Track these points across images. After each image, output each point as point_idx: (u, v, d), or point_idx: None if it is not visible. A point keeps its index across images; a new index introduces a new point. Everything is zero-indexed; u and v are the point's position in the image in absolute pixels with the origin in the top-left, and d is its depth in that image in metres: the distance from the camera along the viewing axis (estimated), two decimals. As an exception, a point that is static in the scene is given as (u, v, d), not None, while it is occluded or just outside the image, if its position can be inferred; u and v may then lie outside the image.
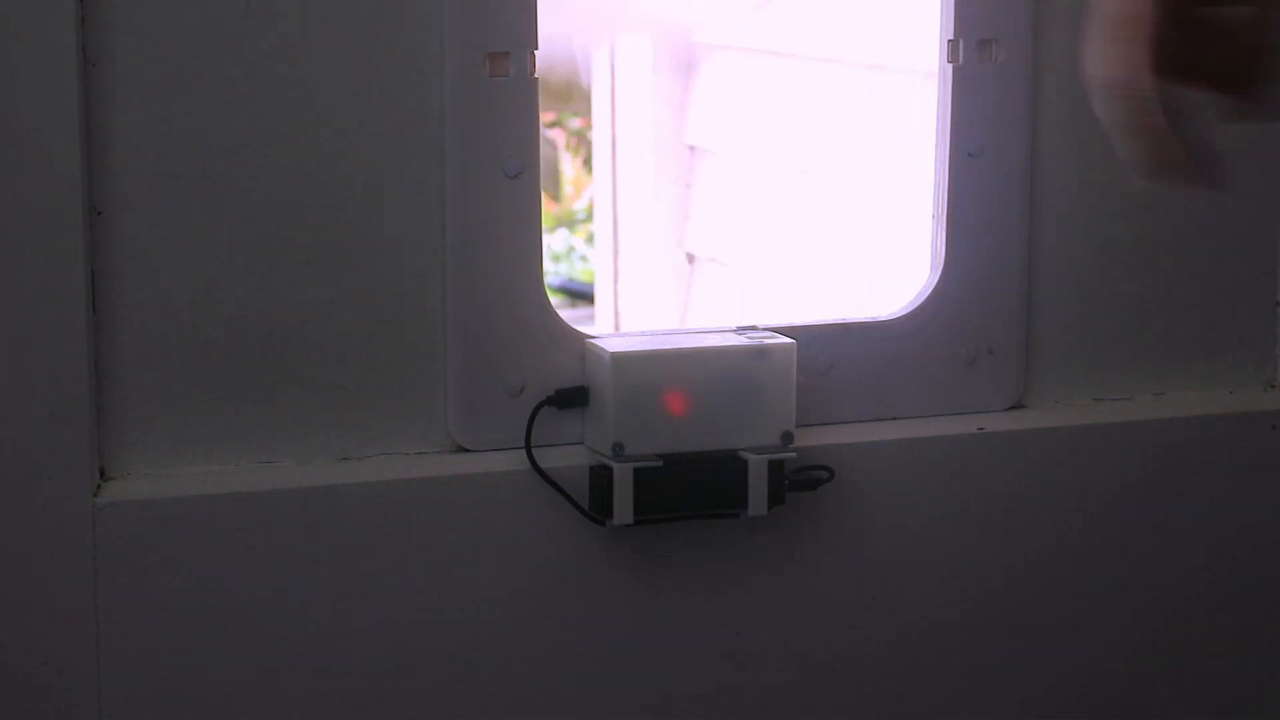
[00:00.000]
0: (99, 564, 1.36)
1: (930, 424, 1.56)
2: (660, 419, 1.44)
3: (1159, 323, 1.64)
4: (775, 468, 1.46)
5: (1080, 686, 1.61)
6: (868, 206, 2.44)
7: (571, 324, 1.47)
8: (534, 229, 1.45)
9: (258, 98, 1.38)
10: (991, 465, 1.56)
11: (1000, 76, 1.54)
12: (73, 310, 1.34)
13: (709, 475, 1.45)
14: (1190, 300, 1.64)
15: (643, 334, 1.49)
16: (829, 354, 1.53)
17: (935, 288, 1.55)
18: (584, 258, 4.39)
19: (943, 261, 1.55)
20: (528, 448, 1.44)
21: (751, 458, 1.45)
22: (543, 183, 1.45)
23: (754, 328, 1.50)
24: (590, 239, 4.01)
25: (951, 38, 1.53)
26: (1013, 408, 1.59)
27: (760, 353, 1.46)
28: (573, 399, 1.46)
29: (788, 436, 1.47)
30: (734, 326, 1.51)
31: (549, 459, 1.45)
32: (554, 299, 1.48)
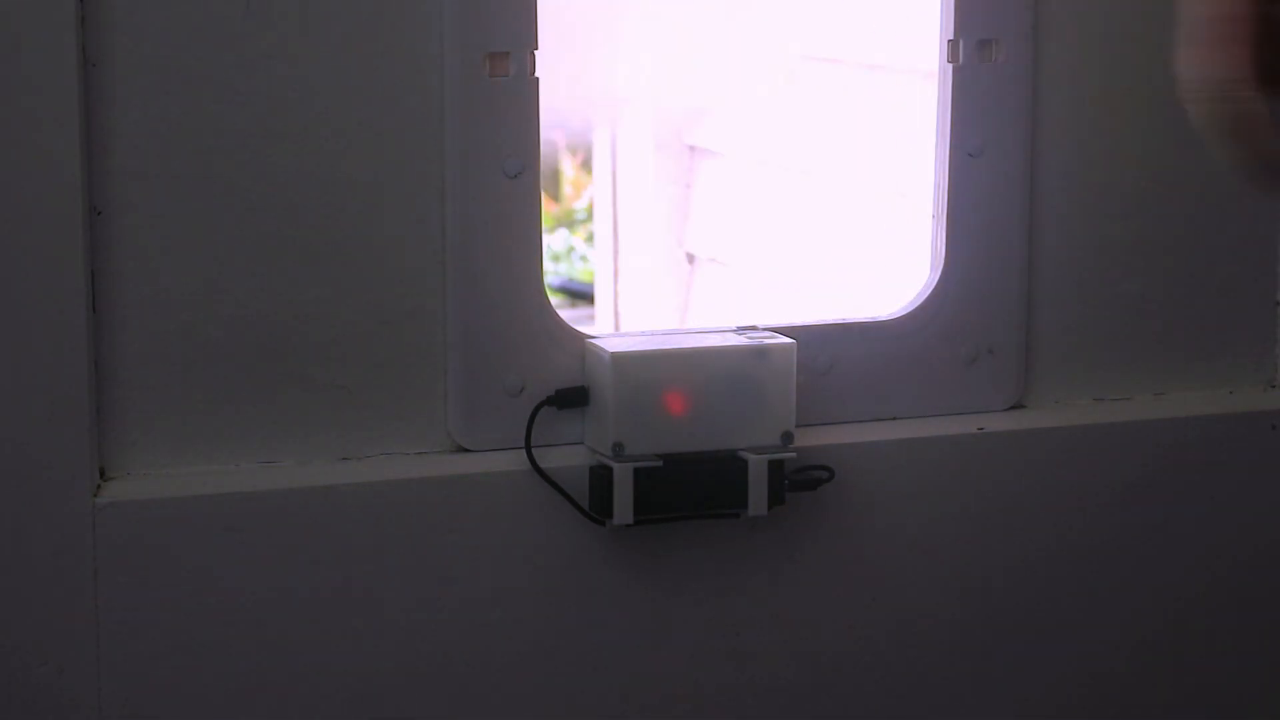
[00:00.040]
0: (99, 564, 1.36)
1: (930, 424, 1.56)
2: (660, 419, 1.44)
3: (1159, 323, 1.64)
4: (775, 468, 1.46)
5: (1080, 686, 1.61)
6: (868, 206, 2.44)
7: (571, 324, 1.47)
8: (534, 229, 1.45)
9: (258, 98, 1.38)
10: (991, 465, 1.56)
11: (1000, 76, 1.54)
12: (73, 310, 1.34)
13: (709, 475, 1.45)
14: (1190, 300, 1.64)
15: (643, 334, 1.49)
16: (829, 354, 1.53)
17: (935, 288, 1.55)
18: (584, 258, 4.39)
19: (943, 261, 1.55)
20: (528, 448, 1.44)
21: (751, 458, 1.45)
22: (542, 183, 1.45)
23: (754, 328, 1.50)
24: (590, 239, 4.01)
25: (951, 38, 1.53)
26: (1013, 408, 1.59)
27: (760, 353, 1.46)
28: (573, 399, 1.46)
29: (788, 436, 1.47)
30: (734, 326, 1.50)
31: (549, 459, 1.45)
32: (554, 299, 1.48)
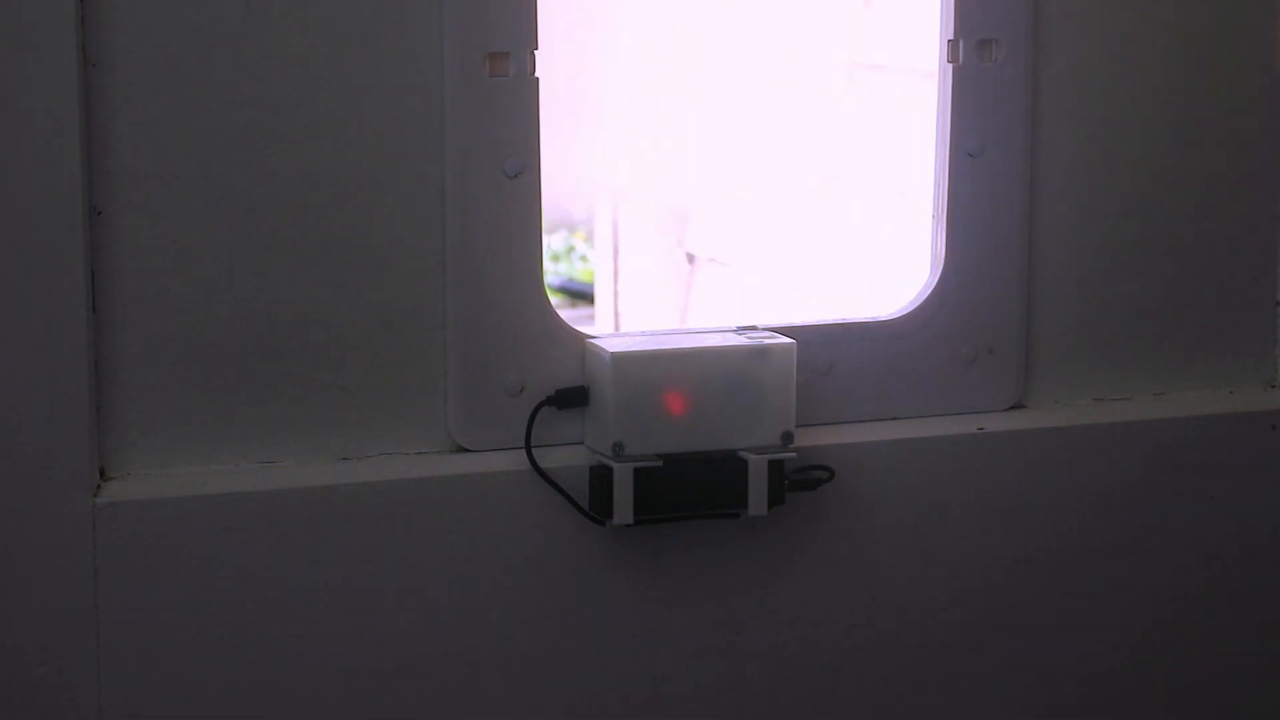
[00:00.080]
0: (99, 564, 1.36)
1: (930, 424, 1.56)
2: (660, 419, 1.44)
3: (1159, 323, 1.64)
4: (775, 468, 1.46)
5: (1080, 686, 1.61)
6: (868, 206, 2.44)
7: (571, 324, 1.47)
8: (534, 229, 1.45)
9: (258, 98, 1.38)
10: (991, 465, 1.56)
11: (1000, 76, 1.54)
12: (73, 310, 1.34)
13: (709, 475, 1.45)
14: (1190, 300, 1.64)
15: (643, 334, 1.49)
16: (829, 354, 1.53)
17: (935, 288, 1.55)
18: (584, 258, 4.39)
19: (943, 261, 1.55)
20: (528, 448, 1.44)
21: (751, 458, 1.45)
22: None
23: (754, 328, 1.50)
24: (590, 239, 4.01)
25: (951, 38, 1.53)
26: (1013, 408, 1.59)
27: (760, 353, 1.46)
28: (573, 399, 1.46)
29: (788, 436, 1.47)
30: (734, 326, 1.50)
31: (549, 459, 1.45)
32: (554, 299, 1.48)
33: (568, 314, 1.48)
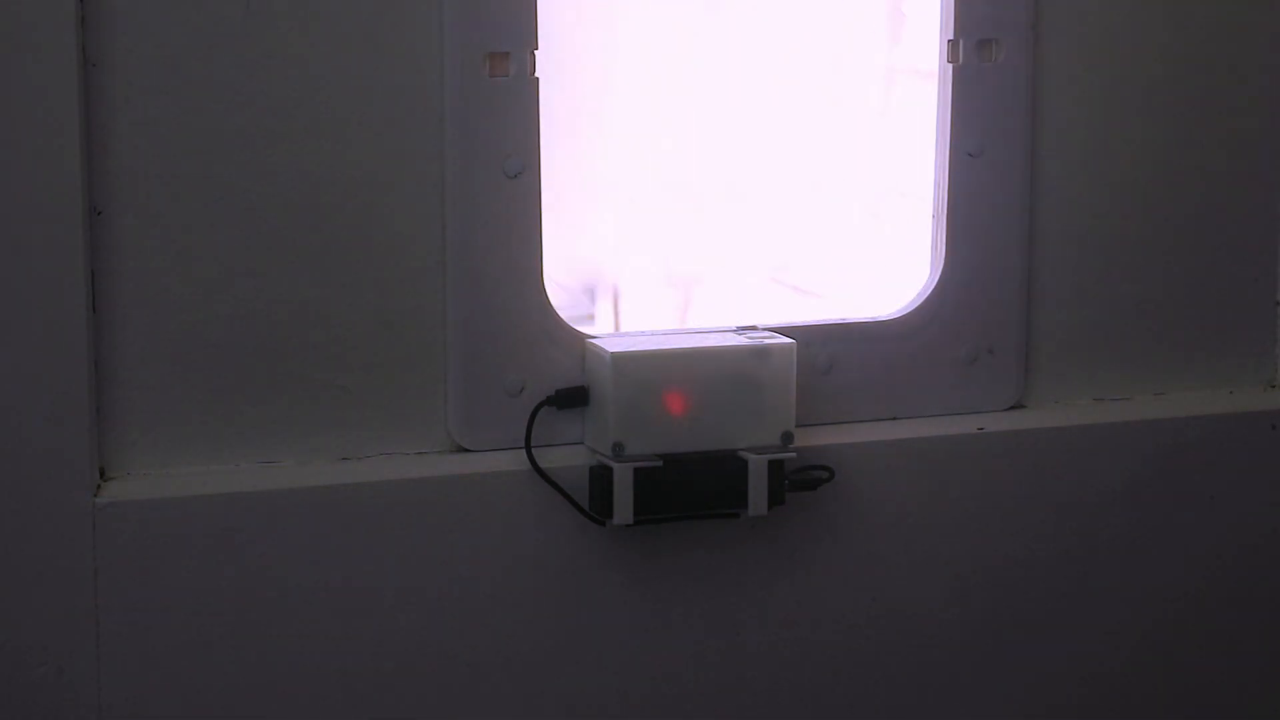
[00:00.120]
0: (99, 564, 1.36)
1: (930, 424, 1.56)
2: (660, 419, 1.44)
3: (1159, 323, 1.64)
4: (775, 468, 1.45)
5: (1080, 685, 1.61)
6: (868, 206, 2.43)
7: (571, 324, 1.47)
8: (534, 229, 1.45)
9: (258, 98, 1.38)
10: (991, 465, 1.56)
11: (1000, 76, 1.54)
12: (73, 310, 1.34)
13: (709, 475, 1.45)
14: (1190, 300, 1.64)
15: (643, 334, 1.49)
16: (829, 354, 1.53)
17: (935, 288, 1.55)
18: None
19: (943, 261, 1.55)
20: (528, 448, 1.44)
21: (751, 458, 1.45)
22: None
23: (754, 328, 1.50)
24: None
25: (951, 38, 1.53)
26: (1013, 408, 1.59)
27: (760, 353, 1.46)
28: (573, 399, 1.46)
29: (788, 436, 1.47)
30: (734, 326, 1.50)
31: (549, 459, 1.45)
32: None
33: (568, 314, 1.48)
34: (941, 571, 1.56)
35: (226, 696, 1.40)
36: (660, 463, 1.44)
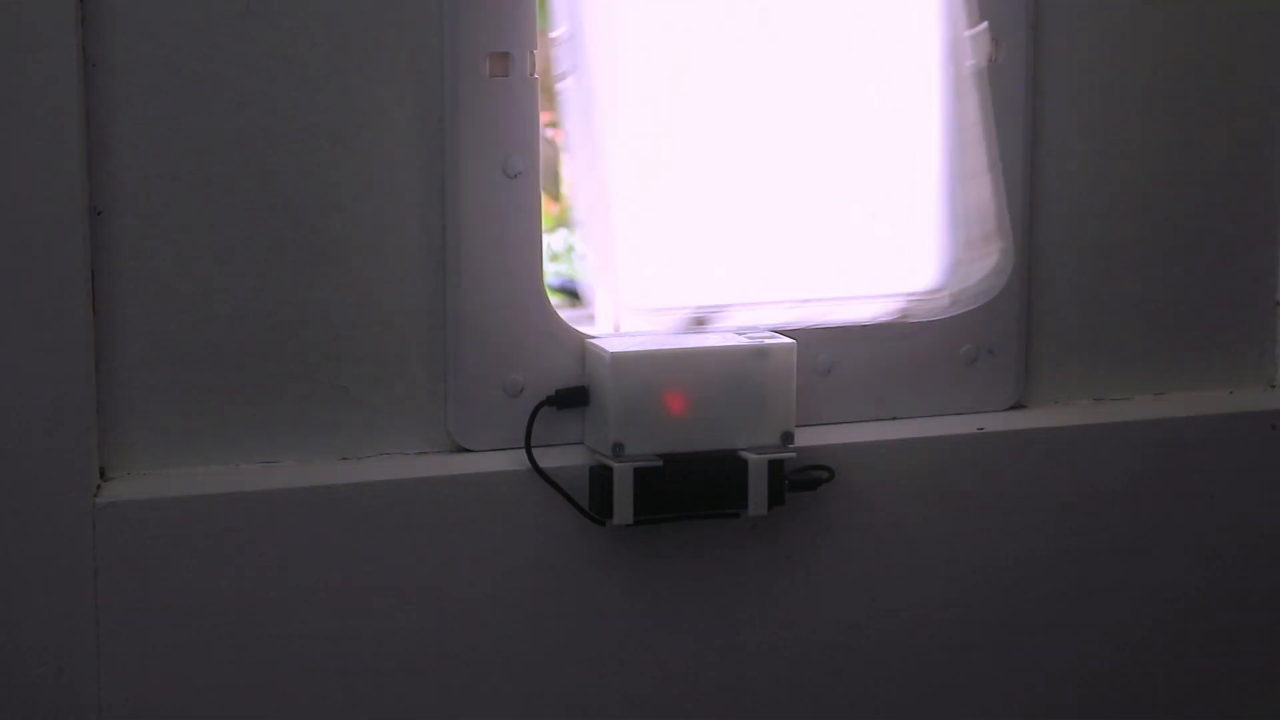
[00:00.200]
0: (99, 564, 1.36)
1: (930, 424, 1.56)
2: (660, 419, 1.44)
3: (1159, 323, 1.64)
4: (775, 468, 1.45)
5: (1079, 685, 1.61)
6: (868, 206, 2.43)
7: (571, 324, 1.47)
8: (534, 229, 1.45)
9: (258, 98, 1.38)
10: (991, 465, 1.56)
11: (1000, 76, 1.54)
12: (73, 310, 1.34)
13: (709, 475, 1.45)
14: (1190, 300, 1.64)
15: (643, 334, 1.49)
16: (829, 354, 1.53)
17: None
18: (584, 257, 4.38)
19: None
20: (528, 448, 1.44)
21: (751, 458, 1.45)
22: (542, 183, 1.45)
23: (754, 328, 1.50)
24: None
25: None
26: (1013, 408, 1.59)
27: (760, 353, 1.46)
28: (573, 399, 1.46)
29: (788, 436, 1.47)
30: (734, 326, 1.50)
31: (549, 459, 1.45)
32: (554, 299, 1.47)
33: (568, 314, 1.48)
34: (941, 571, 1.56)
35: (226, 696, 1.40)
36: (660, 463, 1.44)
